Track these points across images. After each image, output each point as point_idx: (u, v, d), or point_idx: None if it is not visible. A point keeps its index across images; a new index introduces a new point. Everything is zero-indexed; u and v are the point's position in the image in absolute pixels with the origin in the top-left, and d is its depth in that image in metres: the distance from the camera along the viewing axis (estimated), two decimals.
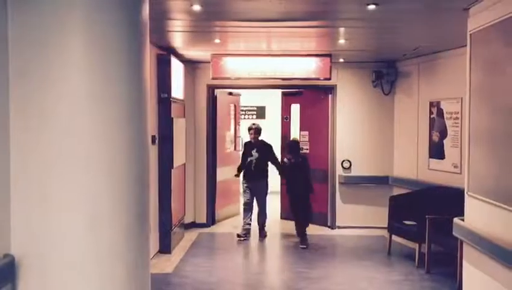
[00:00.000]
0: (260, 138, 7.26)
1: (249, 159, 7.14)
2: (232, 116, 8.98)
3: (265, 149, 7.15)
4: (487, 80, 3.95)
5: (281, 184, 8.18)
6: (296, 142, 7.31)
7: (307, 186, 6.92)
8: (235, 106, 9.03)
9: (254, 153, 7.11)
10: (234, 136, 9.08)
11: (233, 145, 9.00)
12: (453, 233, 4.37)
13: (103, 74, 3.04)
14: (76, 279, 3.03)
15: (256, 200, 7.24)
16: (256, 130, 7.22)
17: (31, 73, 2.90)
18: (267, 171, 7.20)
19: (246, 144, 7.43)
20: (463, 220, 4.28)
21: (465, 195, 4.24)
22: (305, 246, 6.77)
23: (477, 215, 4.03)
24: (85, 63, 2.99)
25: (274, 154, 7.25)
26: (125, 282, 3.22)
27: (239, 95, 9.07)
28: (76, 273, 3.02)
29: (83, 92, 2.98)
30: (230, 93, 8.67)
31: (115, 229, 3.09)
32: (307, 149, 8.30)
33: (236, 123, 9.16)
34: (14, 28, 2.90)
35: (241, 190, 7.54)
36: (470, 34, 4.13)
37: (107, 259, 3.09)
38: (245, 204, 7.32)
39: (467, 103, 4.28)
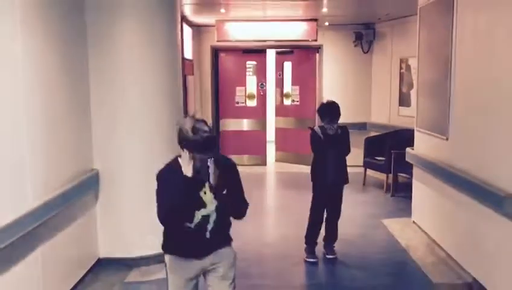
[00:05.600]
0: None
1: (197, 216, 2.53)
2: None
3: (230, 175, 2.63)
4: (428, 40, 5.27)
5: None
6: (336, 105, 4.56)
7: (343, 172, 4.69)
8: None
9: (206, 195, 2.51)
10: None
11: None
12: (406, 159, 5.80)
13: (151, 42, 4.37)
14: (138, 184, 4.45)
15: None
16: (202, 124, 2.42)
17: (104, 39, 4.24)
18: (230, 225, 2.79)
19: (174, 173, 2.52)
20: (413, 149, 5.70)
21: (415, 130, 5.65)
22: (334, 256, 4.74)
23: (422, 144, 5.46)
24: (137, 38, 4.32)
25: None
26: None
27: None
28: (139, 179, 4.44)
29: (140, 56, 4.32)
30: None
31: (167, 150, 4.50)
32: (297, 101, 9.66)
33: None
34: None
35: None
36: (419, 8, 5.41)
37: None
38: None
39: (417, 59, 5.61)
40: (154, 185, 4.51)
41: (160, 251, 4.04)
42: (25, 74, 3.12)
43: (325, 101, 4.82)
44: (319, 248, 4.79)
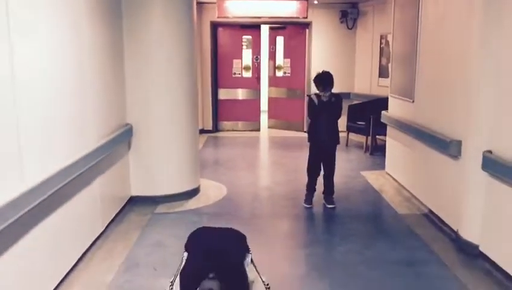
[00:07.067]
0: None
1: None
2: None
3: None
4: (401, 20, 6.30)
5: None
6: (328, 75, 5.18)
7: (335, 134, 5.34)
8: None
9: None
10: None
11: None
12: (381, 120, 6.90)
13: (175, 16, 5.35)
14: (163, 136, 5.49)
15: None
16: None
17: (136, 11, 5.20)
18: None
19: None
20: (387, 112, 6.80)
21: (389, 95, 6.73)
22: (333, 205, 5.46)
23: (394, 107, 6.55)
24: (164, 20, 5.29)
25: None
26: (191, 141, 5.71)
27: None
28: (164, 132, 5.47)
29: (162, 32, 5.30)
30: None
31: (186, 108, 5.54)
32: (289, 73, 10.67)
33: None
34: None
35: None
36: None
37: (182, 127, 5.56)
38: None
39: (392, 36, 6.65)
40: (175, 135, 5.52)
41: (181, 189, 5.26)
42: (90, 45, 4.09)
43: (320, 71, 5.28)
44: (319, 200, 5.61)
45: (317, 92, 5.21)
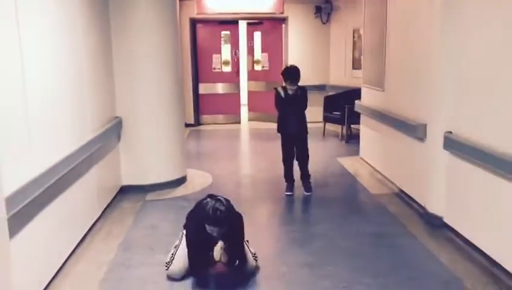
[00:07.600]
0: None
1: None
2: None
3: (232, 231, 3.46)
4: (371, 15, 6.75)
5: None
6: (296, 69, 5.41)
7: (303, 125, 5.60)
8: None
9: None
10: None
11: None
12: (355, 109, 7.36)
13: (158, 19, 5.67)
14: (151, 128, 5.81)
15: None
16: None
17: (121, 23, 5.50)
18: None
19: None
20: (360, 101, 7.26)
21: (361, 86, 7.19)
22: (309, 193, 5.74)
23: (366, 96, 7.01)
24: (149, 18, 5.60)
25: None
26: (177, 132, 6.05)
27: None
28: (151, 125, 5.80)
29: (147, 29, 5.62)
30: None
31: (172, 101, 5.87)
32: (267, 67, 11.06)
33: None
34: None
35: None
36: None
37: (169, 118, 5.89)
38: None
39: (363, 30, 7.10)
40: (163, 127, 5.86)
41: (169, 178, 5.61)
42: (85, 43, 4.39)
43: (288, 65, 5.59)
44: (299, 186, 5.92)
45: (284, 85, 5.44)
